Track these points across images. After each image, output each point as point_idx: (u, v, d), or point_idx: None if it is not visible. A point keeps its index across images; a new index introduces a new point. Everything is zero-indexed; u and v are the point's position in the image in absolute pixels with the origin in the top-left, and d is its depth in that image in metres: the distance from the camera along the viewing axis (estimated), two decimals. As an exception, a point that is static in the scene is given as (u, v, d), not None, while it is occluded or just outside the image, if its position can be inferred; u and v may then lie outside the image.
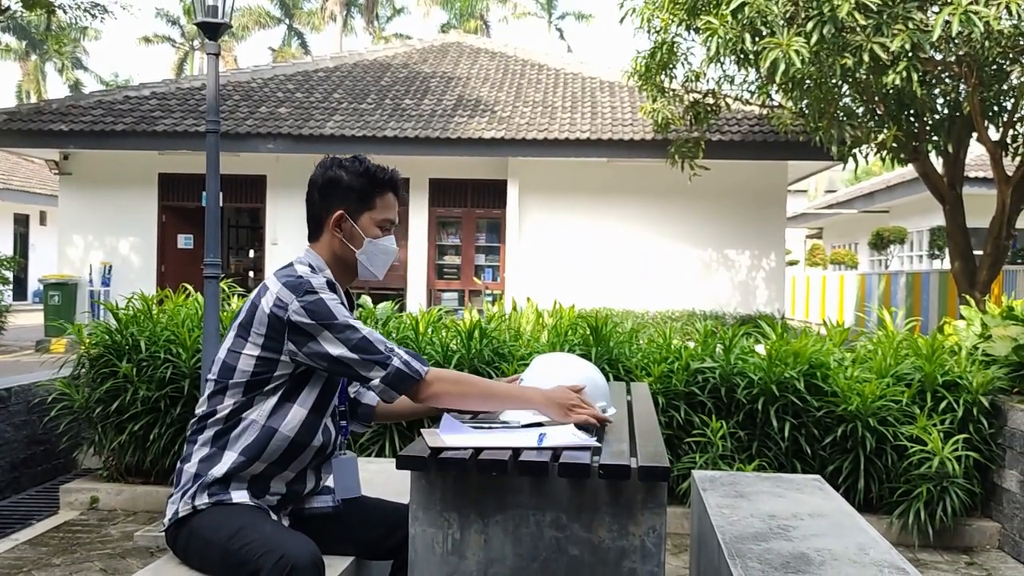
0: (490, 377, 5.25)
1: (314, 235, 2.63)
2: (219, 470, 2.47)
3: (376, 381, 2.42)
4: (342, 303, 2.50)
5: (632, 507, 2.28)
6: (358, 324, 2.44)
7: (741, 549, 2.72)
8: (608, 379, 5.24)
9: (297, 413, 2.51)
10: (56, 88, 60.63)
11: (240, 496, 2.48)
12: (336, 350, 2.41)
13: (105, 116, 14.33)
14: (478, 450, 2.36)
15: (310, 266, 2.56)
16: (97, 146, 14.26)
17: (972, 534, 5.22)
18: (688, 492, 4.91)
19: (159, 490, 5.46)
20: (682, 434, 5.24)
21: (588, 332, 5.58)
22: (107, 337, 5.60)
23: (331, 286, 2.52)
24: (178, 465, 2.57)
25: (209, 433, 2.51)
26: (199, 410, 2.56)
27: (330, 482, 2.79)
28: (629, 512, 2.28)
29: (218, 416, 2.51)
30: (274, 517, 2.52)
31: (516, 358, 5.43)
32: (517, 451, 2.36)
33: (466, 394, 2.54)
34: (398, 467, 2.35)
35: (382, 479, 3.42)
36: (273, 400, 2.49)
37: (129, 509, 5.51)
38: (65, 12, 16.37)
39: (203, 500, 2.46)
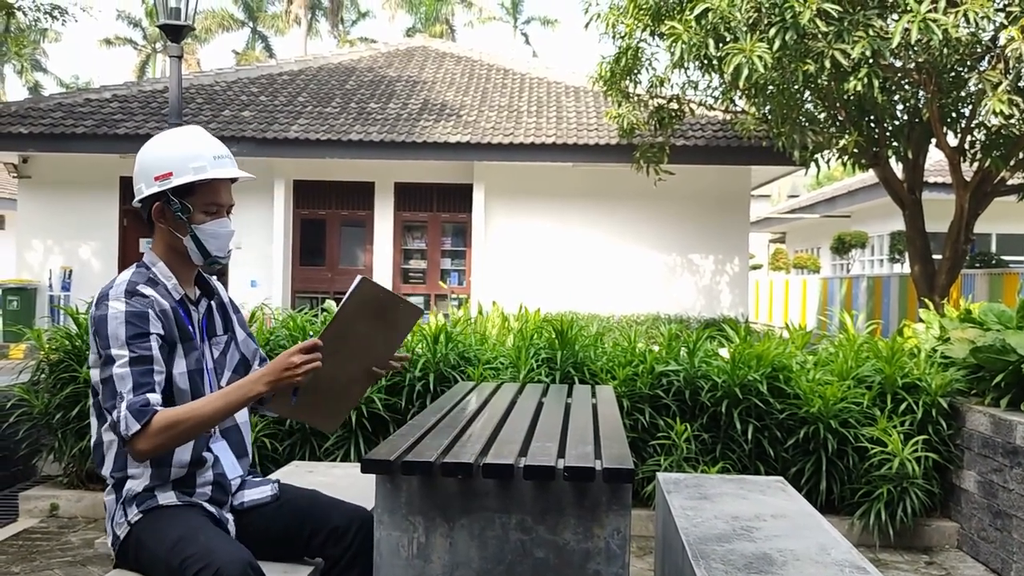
0: (456, 381, 5.25)
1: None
2: (138, 485, 2.44)
3: (109, 423, 2.35)
4: (137, 313, 2.38)
5: (597, 509, 2.29)
6: (119, 355, 2.33)
7: (705, 550, 2.74)
8: (574, 382, 5.29)
9: (177, 381, 2.46)
10: (15, 90, 59.80)
11: (167, 498, 2.45)
12: (94, 375, 2.40)
13: (65, 119, 14.13)
14: (444, 453, 2.36)
15: (135, 267, 2.53)
16: (57, 149, 14.05)
17: (931, 534, 5.29)
18: (653, 494, 4.94)
19: (120, 497, 5.38)
20: (647, 437, 5.27)
21: (553, 336, 5.60)
22: (67, 342, 5.53)
23: (129, 294, 2.40)
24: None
25: (108, 461, 2.48)
26: (94, 439, 2.52)
27: (273, 475, 2.76)
28: (594, 514, 2.29)
29: (105, 441, 2.48)
30: (213, 510, 2.48)
31: (482, 362, 5.43)
32: (483, 453, 2.37)
33: (182, 432, 2.32)
34: (363, 471, 2.35)
35: (346, 483, 3.41)
36: None
37: (90, 516, 5.44)
38: (25, 14, 16.12)
39: (134, 513, 2.44)
